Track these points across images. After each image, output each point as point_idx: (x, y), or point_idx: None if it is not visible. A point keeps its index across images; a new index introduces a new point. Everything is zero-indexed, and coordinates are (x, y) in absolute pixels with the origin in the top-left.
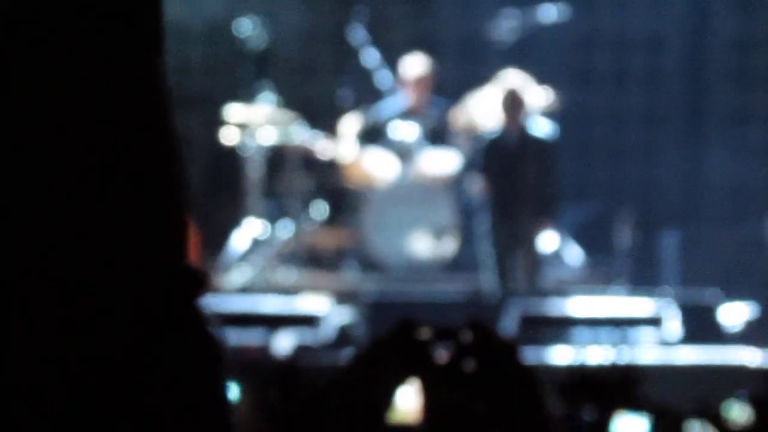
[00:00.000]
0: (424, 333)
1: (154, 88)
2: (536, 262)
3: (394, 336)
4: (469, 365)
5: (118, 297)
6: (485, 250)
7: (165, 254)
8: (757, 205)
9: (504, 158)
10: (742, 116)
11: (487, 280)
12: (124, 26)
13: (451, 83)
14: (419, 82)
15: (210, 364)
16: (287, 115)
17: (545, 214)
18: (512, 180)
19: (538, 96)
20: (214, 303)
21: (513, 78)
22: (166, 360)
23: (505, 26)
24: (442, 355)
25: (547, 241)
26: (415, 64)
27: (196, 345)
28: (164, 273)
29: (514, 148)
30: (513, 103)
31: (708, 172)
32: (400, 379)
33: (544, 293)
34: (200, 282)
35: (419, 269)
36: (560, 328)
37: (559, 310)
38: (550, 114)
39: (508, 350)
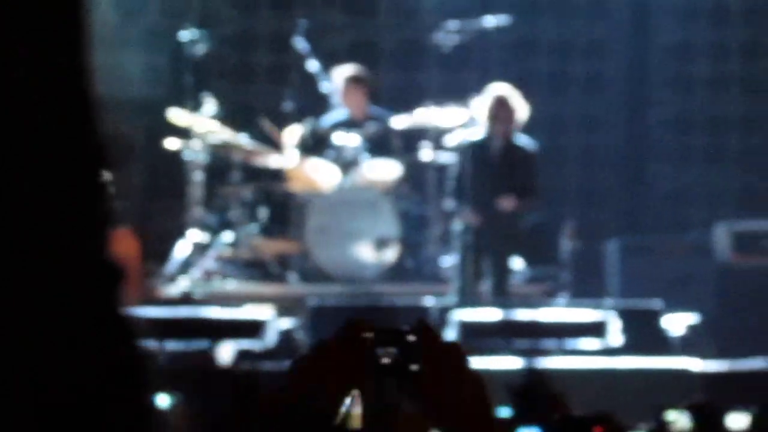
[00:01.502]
0: (370, 335)
1: (78, 90)
2: (506, 271)
3: (340, 337)
4: (414, 366)
5: (33, 299)
6: (454, 254)
7: (85, 255)
8: (702, 213)
9: (486, 164)
10: (684, 122)
11: (449, 286)
12: (45, 26)
13: (392, 90)
14: (350, 88)
15: (131, 371)
16: (229, 123)
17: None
18: (494, 186)
19: (524, 111)
20: (154, 312)
21: (503, 88)
22: (84, 366)
23: (446, 33)
24: (387, 356)
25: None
26: (343, 72)
27: (117, 352)
28: (82, 274)
29: (498, 156)
30: (502, 110)
31: (651, 180)
32: (345, 381)
33: (487, 302)
34: (117, 281)
35: (361, 277)
36: (500, 338)
37: (502, 319)
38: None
39: (453, 351)
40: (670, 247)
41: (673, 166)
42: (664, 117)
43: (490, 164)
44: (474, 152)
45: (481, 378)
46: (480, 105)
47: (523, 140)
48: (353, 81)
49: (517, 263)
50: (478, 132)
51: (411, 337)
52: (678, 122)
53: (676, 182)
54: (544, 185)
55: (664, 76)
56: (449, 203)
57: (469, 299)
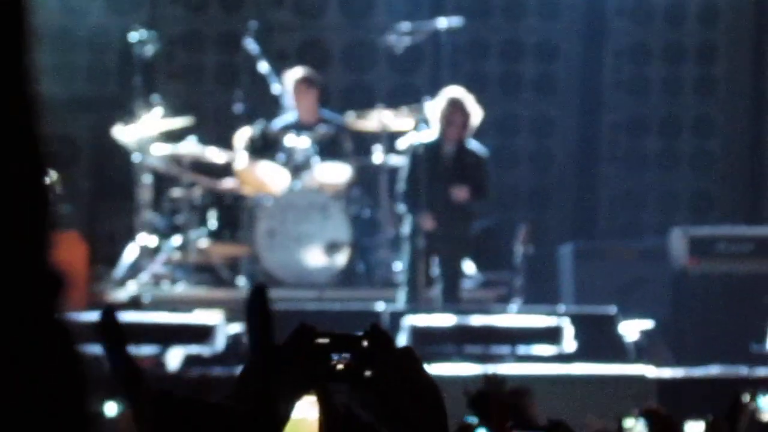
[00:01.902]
0: (323, 340)
1: (20, 91)
2: (458, 275)
3: (293, 342)
4: (369, 372)
5: None
6: (402, 258)
7: (25, 260)
8: (656, 218)
9: (437, 167)
10: (638, 125)
11: (398, 290)
12: None
13: (343, 92)
14: (300, 91)
15: (74, 379)
16: (179, 124)
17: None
18: (442, 190)
19: (478, 115)
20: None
21: (457, 91)
22: (23, 375)
23: (398, 34)
24: (340, 362)
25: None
26: (293, 74)
27: (59, 359)
28: (22, 279)
29: (449, 160)
30: (456, 114)
31: (604, 183)
32: (298, 388)
33: (438, 308)
34: (58, 287)
35: (312, 282)
36: (455, 344)
37: (454, 324)
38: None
39: (407, 357)
40: (625, 251)
41: (626, 170)
42: (618, 119)
43: (442, 168)
44: (425, 155)
45: (435, 384)
46: (434, 108)
47: (474, 145)
48: (304, 83)
49: (469, 268)
50: (429, 134)
51: (364, 343)
52: (631, 125)
53: (629, 186)
54: (496, 188)
55: (617, 78)
56: (401, 206)
57: (419, 304)
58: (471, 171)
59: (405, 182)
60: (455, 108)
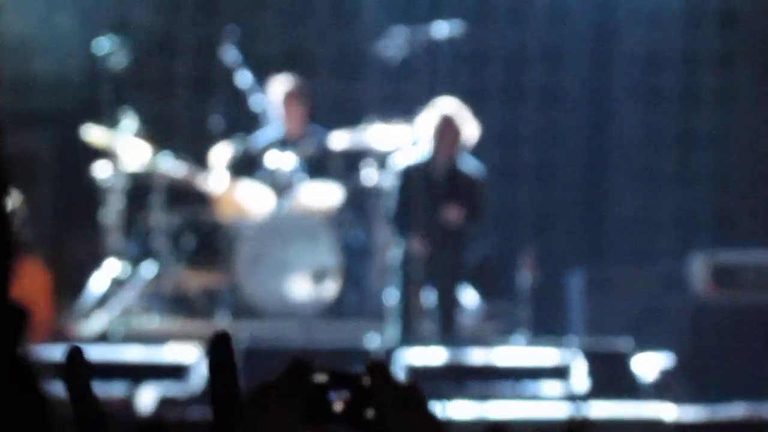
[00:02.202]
0: (320, 377)
1: None
2: (454, 304)
3: (286, 380)
4: (370, 412)
5: None
6: (392, 289)
7: None
8: (675, 241)
9: (428, 189)
10: (652, 139)
11: (390, 324)
12: None
13: (332, 105)
14: (289, 103)
15: (34, 420)
16: (151, 141)
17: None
18: (434, 215)
19: (473, 130)
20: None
21: (449, 105)
22: None
23: (392, 41)
24: (339, 401)
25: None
26: (282, 84)
27: (17, 398)
28: None
29: (440, 181)
30: (448, 129)
31: (616, 204)
32: (293, 431)
33: (433, 341)
34: (20, 319)
35: (297, 314)
36: (454, 382)
37: (453, 360)
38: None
39: (412, 396)
40: (640, 279)
41: (640, 188)
42: (630, 133)
43: (434, 188)
44: (415, 175)
45: (441, 425)
46: (424, 123)
47: (469, 162)
48: (294, 94)
49: (469, 298)
50: (419, 153)
51: (366, 380)
52: (645, 139)
53: (644, 206)
54: (498, 210)
55: (629, 88)
56: (392, 231)
57: (414, 339)
58: (465, 191)
59: (394, 205)
60: (447, 122)
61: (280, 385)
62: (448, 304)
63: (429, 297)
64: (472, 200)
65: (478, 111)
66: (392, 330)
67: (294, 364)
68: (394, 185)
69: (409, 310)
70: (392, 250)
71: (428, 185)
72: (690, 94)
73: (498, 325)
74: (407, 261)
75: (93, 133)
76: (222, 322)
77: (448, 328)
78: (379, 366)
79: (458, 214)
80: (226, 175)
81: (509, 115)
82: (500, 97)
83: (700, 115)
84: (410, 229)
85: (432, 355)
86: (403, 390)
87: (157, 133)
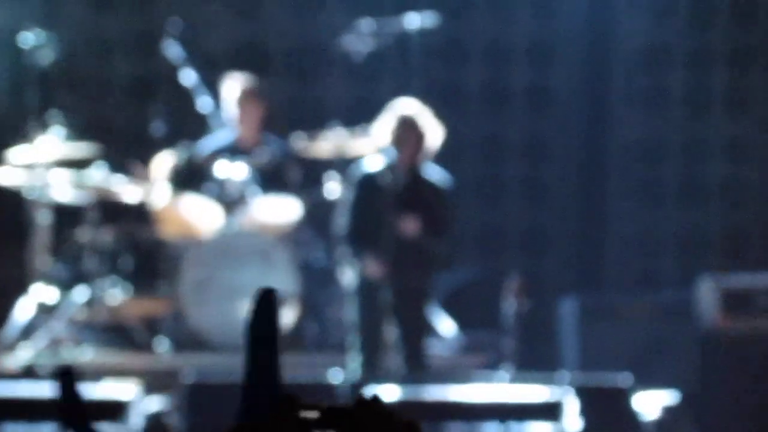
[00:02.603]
0: (310, 414)
1: None
2: (421, 334)
3: (273, 417)
4: None
5: None
6: (350, 318)
7: None
8: (679, 265)
9: (385, 201)
10: (655, 149)
11: (349, 357)
12: None
13: (289, 108)
14: (245, 104)
15: None
16: (83, 150)
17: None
18: (392, 228)
19: (437, 134)
20: None
21: (410, 106)
22: None
23: (358, 36)
24: None
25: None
26: (238, 82)
27: None
28: None
29: (399, 191)
30: (409, 134)
31: (613, 222)
32: None
33: (401, 378)
34: None
35: None
36: (430, 421)
37: (430, 397)
38: None
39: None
40: (641, 307)
41: (641, 205)
42: (630, 142)
43: (392, 201)
44: (371, 186)
45: None
46: (382, 127)
47: (432, 171)
48: (252, 93)
49: (445, 327)
50: (375, 161)
51: (359, 416)
52: (647, 149)
53: (645, 225)
54: (480, 230)
55: (629, 90)
56: (346, 251)
57: (376, 374)
58: (425, 201)
59: (347, 221)
60: (408, 126)
61: (265, 423)
62: (414, 334)
63: (393, 326)
64: (434, 211)
65: (456, 116)
66: (353, 364)
67: (282, 400)
68: (348, 198)
69: (369, 342)
70: (346, 274)
71: (386, 197)
72: (698, 97)
73: (479, 359)
74: (363, 286)
75: (18, 142)
76: (163, 354)
77: (414, 362)
78: (373, 401)
79: (415, 225)
80: (169, 187)
81: (492, 120)
82: (481, 100)
83: (709, 121)
84: (365, 248)
85: (395, 393)
86: (401, 427)
87: (90, 140)
